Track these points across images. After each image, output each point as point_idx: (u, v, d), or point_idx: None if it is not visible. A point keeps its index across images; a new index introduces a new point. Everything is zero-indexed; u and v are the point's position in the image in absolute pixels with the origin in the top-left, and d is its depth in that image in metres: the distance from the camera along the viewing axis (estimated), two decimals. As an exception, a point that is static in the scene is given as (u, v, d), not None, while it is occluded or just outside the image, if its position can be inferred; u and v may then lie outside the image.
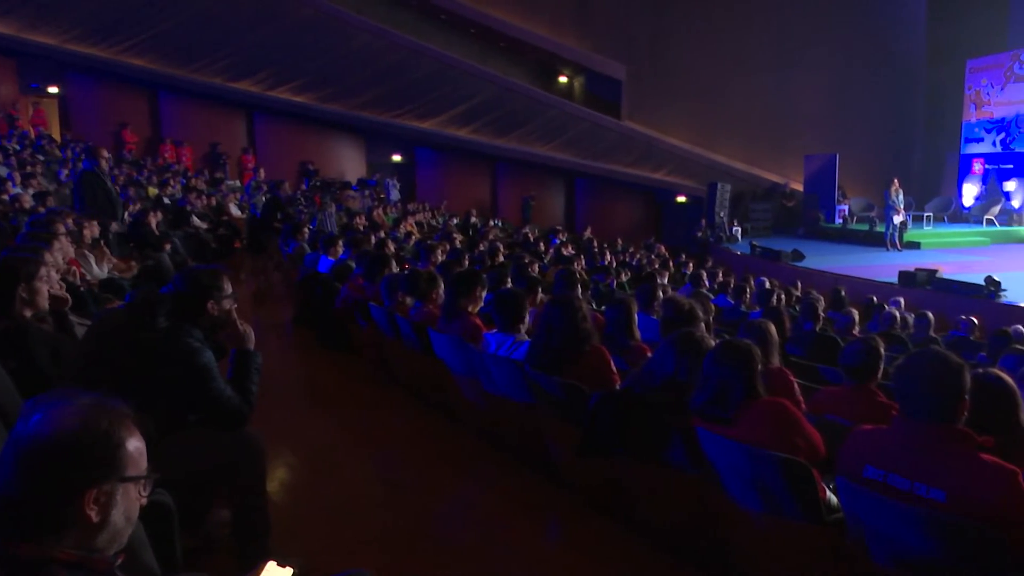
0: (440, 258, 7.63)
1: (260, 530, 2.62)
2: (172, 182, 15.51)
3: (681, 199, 22.60)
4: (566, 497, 3.51)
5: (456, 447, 4.26)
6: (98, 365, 2.78)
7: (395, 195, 20.51)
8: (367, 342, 5.64)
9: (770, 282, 9.69)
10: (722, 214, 20.07)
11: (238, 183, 18.52)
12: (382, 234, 9.91)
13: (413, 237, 12.68)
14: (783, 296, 8.73)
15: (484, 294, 4.62)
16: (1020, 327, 7.58)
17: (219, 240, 11.44)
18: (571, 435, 3.27)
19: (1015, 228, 18.34)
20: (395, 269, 5.89)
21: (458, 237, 12.31)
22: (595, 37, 20.93)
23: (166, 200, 13.35)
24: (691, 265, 13.63)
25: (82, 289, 4.59)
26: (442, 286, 4.83)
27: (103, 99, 19.41)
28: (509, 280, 5.81)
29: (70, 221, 5.72)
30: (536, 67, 22.07)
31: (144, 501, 1.36)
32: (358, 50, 18.98)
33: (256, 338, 2.86)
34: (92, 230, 6.14)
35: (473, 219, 18.49)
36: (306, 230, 10.14)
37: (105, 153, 7.88)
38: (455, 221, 17.51)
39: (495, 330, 4.09)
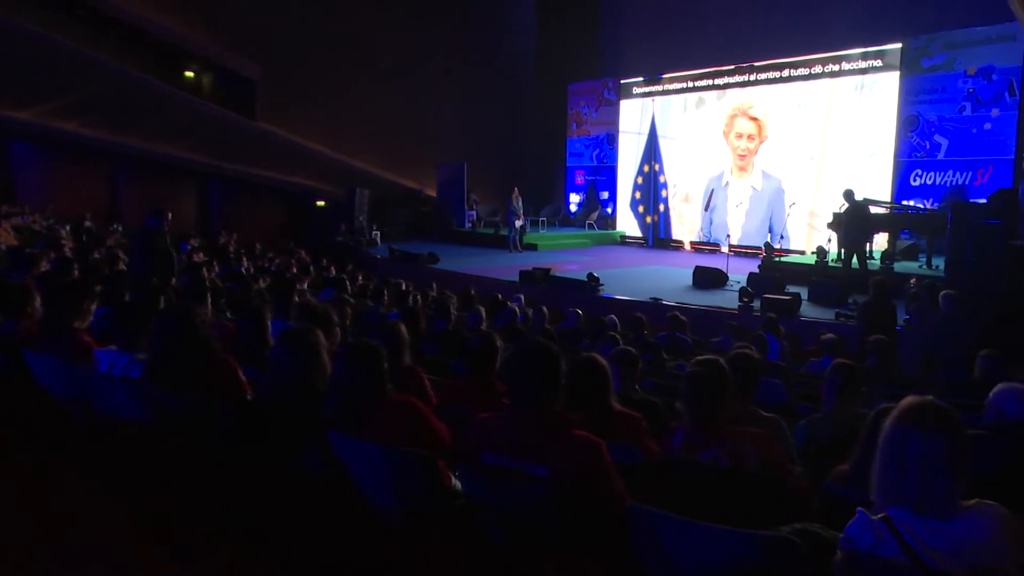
0: (44, 268, 6.71)
1: None
2: None
3: (321, 203, 22.54)
4: (198, 520, 3.28)
5: (65, 483, 3.75)
6: None
7: (-17, 196, 17.46)
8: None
9: (406, 284, 10.07)
10: (362, 218, 20.44)
11: None
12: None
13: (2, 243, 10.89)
14: (419, 297, 9.13)
15: (95, 307, 4.14)
16: (614, 317, 8.85)
17: None
18: (201, 453, 3.08)
19: (610, 232, 21.44)
20: (-21, 282, 5.01)
21: (68, 244, 10.87)
22: (226, 32, 19.88)
23: None
24: (333, 269, 13.65)
25: None
26: (39, 299, 4.21)
27: None
28: (128, 292, 5.30)
29: None
30: (159, 59, 20.27)
31: None
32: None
33: None
34: None
35: (87, 224, 16.49)
36: None
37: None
38: (67, 227, 15.42)
39: (111, 348, 3.70)
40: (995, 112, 14.83)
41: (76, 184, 20.52)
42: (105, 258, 9.28)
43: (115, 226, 18.05)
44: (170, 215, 8.12)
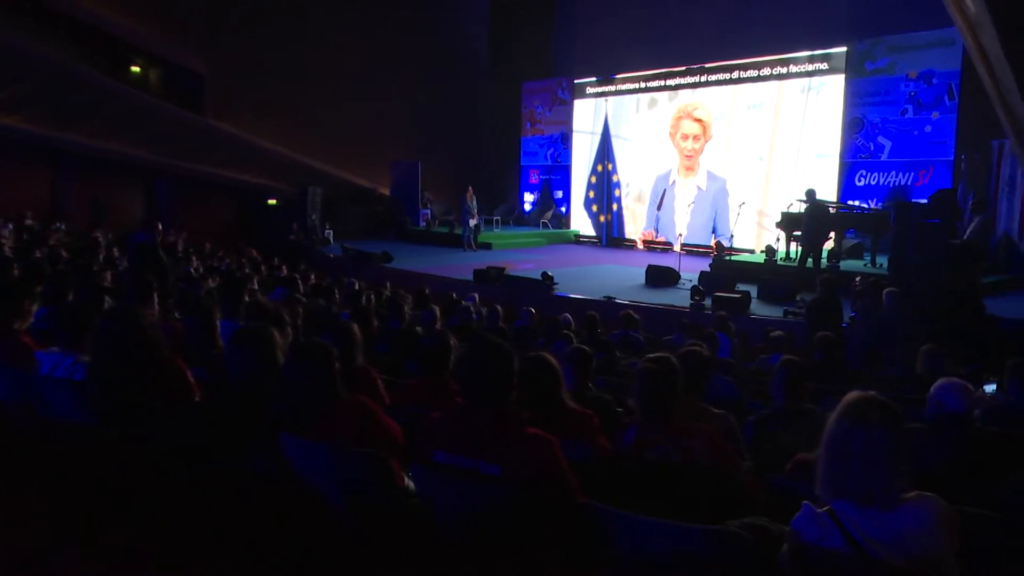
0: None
1: None
2: None
3: (272, 202, 22.22)
4: (144, 524, 3.21)
5: (7, 489, 3.63)
6: None
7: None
8: None
9: (359, 283, 9.98)
10: (314, 217, 20.22)
11: None
12: None
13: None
14: (373, 296, 9.06)
15: (36, 308, 4.02)
16: (568, 315, 8.89)
17: None
18: (145, 456, 3.01)
19: (565, 231, 21.55)
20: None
21: (8, 243, 10.54)
22: (174, 26, 19.43)
23: None
24: (284, 269, 13.46)
25: None
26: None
27: None
28: (71, 291, 5.16)
29: None
30: (105, 53, 19.71)
31: None
32: None
33: None
34: None
35: (29, 222, 15.99)
36: None
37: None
38: (9, 226, 14.92)
39: (53, 349, 3.59)
40: (935, 115, 15.28)
41: (16, 181, 19.82)
42: (47, 257, 9.03)
43: (57, 224, 17.52)
44: (160, 226, 8.16)
